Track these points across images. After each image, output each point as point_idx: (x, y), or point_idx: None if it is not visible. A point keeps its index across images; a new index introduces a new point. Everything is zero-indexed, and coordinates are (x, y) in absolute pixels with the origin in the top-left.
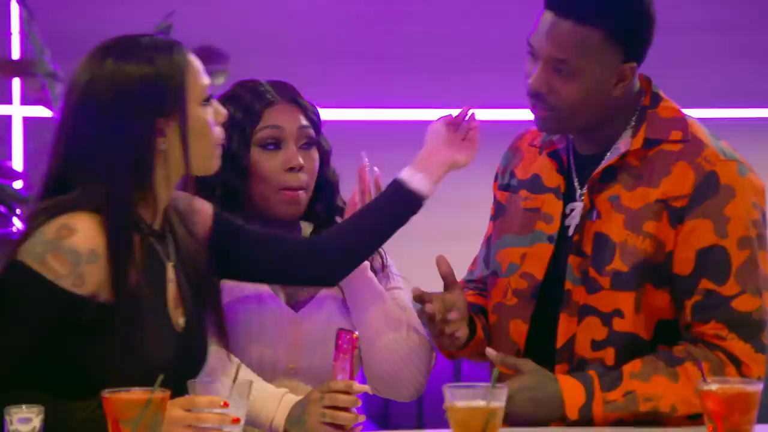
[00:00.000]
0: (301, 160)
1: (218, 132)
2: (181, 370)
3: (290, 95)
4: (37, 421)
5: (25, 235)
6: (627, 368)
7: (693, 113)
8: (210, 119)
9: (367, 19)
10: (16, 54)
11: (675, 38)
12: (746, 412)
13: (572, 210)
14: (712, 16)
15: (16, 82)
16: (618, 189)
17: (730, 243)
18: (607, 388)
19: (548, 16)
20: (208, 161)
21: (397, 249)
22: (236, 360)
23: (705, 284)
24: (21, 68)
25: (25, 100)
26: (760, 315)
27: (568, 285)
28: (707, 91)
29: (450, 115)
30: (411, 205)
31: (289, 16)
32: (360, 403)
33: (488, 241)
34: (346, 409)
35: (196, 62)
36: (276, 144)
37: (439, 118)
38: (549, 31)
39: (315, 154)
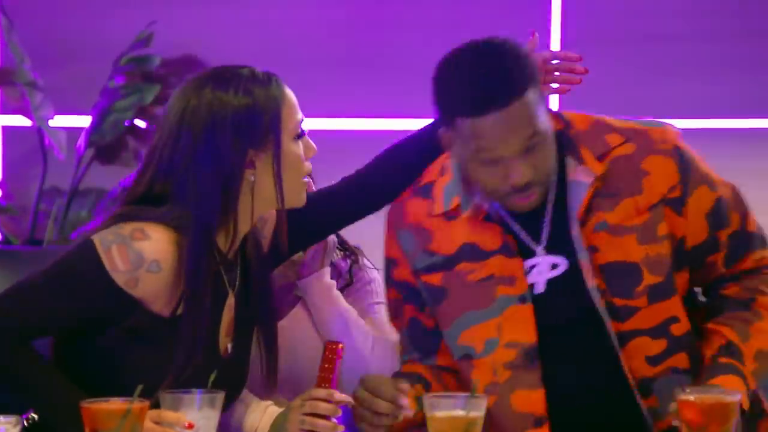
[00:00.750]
0: None
1: (308, 166)
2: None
3: None
4: None
5: (104, 224)
6: (727, 336)
7: (679, 123)
8: (301, 154)
9: (352, 28)
10: None
11: (660, 48)
12: (724, 422)
13: (533, 266)
14: (698, 26)
15: None
16: (599, 216)
17: (722, 189)
18: (743, 362)
19: (489, 119)
20: (297, 195)
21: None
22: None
23: (725, 234)
24: (1, 77)
25: (5, 109)
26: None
27: (613, 326)
28: (692, 102)
29: None
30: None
31: (272, 26)
32: (340, 413)
33: (423, 328)
34: (326, 418)
35: (292, 96)
36: None
37: None
38: (503, 126)
39: None
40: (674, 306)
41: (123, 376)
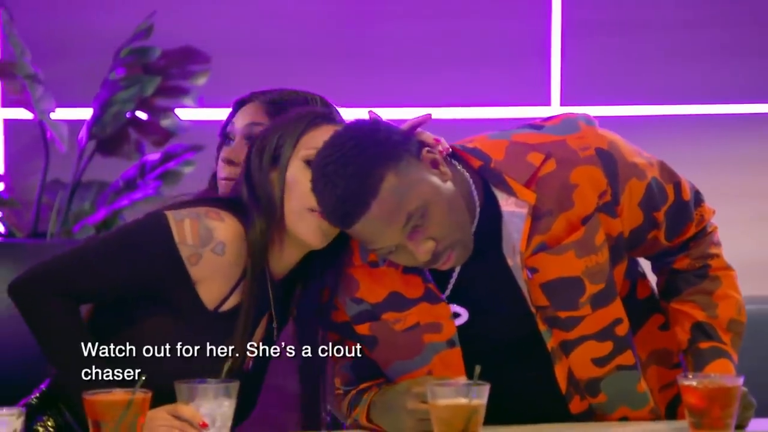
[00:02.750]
0: None
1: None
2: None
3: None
4: (17, 424)
5: (181, 204)
6: (695, 316)
7: (679, 110)
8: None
9: (347, 19)
10: None
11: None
12: (727, 406)
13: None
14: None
15: None
16: (536, 239)
17: (650, 172)
18: (721, 339)
19: (357, 227)
20: (298, 223)
21: None
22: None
23: (661, 213)
24: (2, 70)
25: (6, 102)
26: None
27: (551, 343)
28: (690, 87)
29: None
30: None
31: (270, 16)
32: None
33: (368, 360)
34: None
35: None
36: (229, 140)
37: None
38: (373, 225)
39: None
40: (616, 309)
41: (149, 358)
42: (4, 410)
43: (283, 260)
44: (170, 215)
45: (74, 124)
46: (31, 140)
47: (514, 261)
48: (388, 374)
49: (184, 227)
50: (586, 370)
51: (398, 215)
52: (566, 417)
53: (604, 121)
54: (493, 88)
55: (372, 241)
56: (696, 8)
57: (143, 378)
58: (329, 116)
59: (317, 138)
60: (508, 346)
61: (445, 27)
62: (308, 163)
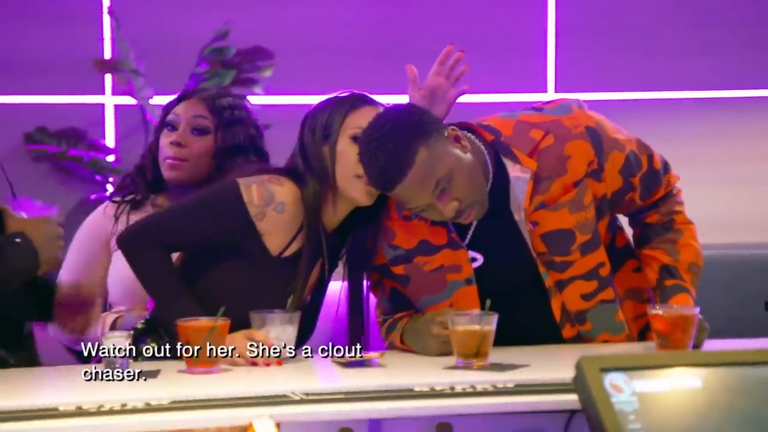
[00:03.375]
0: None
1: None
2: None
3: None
4: (126, 344)
5: (249, 173)
6: (661, 259)
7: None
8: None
9: (380, 23)
10: (107, 54)
11: (650, 33)
12: (686, 330)
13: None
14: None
15: (108, 77)
16: (537, 198)
17: (628, 146)
18: (682, 278)
19: (396, 190)
20: (350, 189)
21: None
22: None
23: (637, 178)
24: (112, 66)
25: (115, 92)
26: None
27: (548, 282)
28: (665, 76)
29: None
30: None
31: (320, 22)
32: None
33: (401, 295)
34: None
35: (364, 110)
36: (173, 127)
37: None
38: (409, 189)
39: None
40: (600, 254)
41: (220, 296)
42: (116, 333)
43: (336, 216)
44: (240, 182)
45: None
46: (134, 121)
47: (519, 216)
48: (417, 306)
49: (251, 191)
50: (575, 303)
51: (429, 181)
52: (559, 341)
53: (593, 104)
54: (499, 77)
55: (408, 202)
56: (669, 12)
57: (224, 309)
58: (367, 99)
59: (360, 118)
60: (514, 285)
61: (453, 28)
62: (354, 139)
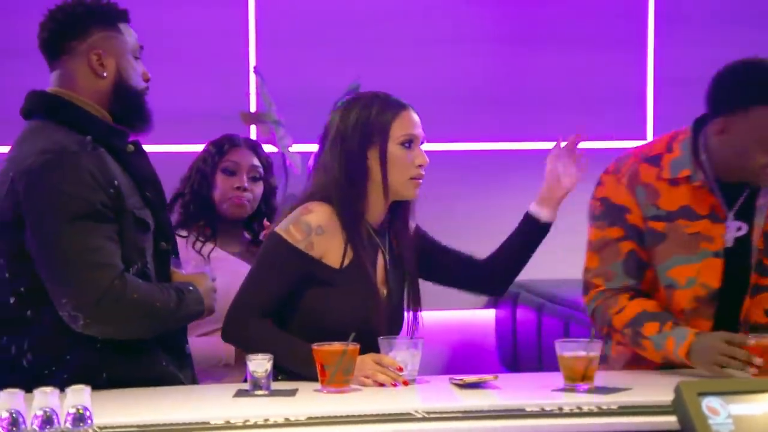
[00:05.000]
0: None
1: (414, 169)
2: (383, 325)
3: (248, 143)
4: (268, 366)
5: (286, 213)
6: None
7: None
8: (405, 157)
9: (489, 73)
10: (253, 107)
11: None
12: None
13: (727, 229)
14: None
15: (253, 128)
16: None
17: None
18: None
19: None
20: (401, 188)
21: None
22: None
23: None
24: (256, 118)
25: (259, 140)
26: None
27: (753, 278)
28: None
29: (559, 144)
30: (541, 233)
31: (443, 76)
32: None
33: (638, 260)
34: None
35: (409, 115)
36: (233, 172)
37: (552, 150)
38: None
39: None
40: None
41: (317, 317)
42: (259, 355)
43: (378, 211)
44: (279, 231)
45: (305, 155)
46: (275, 166)
47: (729, 212)
48: (664, 264)
49: (291, 232)
50: (757, 315)
51: None
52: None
53: None
54: (600, 125)
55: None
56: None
57: (354, 334)
58: (404, 104)
59: (405, 123)
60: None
61: (568, 77)
62: (403, 144)
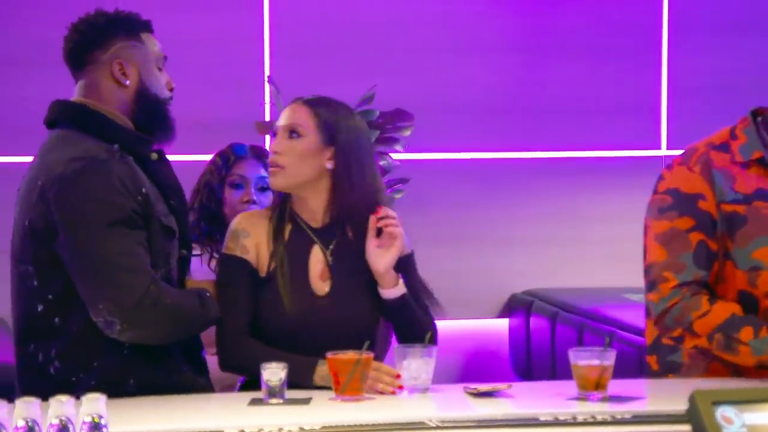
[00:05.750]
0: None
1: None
2: (323, 323)
3: (255, 151)
4: (282, 374)
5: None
6: None
7: None
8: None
9: (506, 83)
10: (267, 117)
11: None
12: None
13: None
14: None
15: (267, 138)
16: None
17: None
18: None
19: None
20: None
21: None
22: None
23: None
24: (271, 127)
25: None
26: None
27: None
28: None
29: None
30: (396, 307)
31: (456, 85)
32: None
33: (708, 251)
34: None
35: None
36: (240, 186)
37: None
38: None
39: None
40: None
41: (260, 321)
42: (273, 364)
43: (311, 211)
44: (224, 251)
45: None
46: None
47: None
48: (747, 248)
49: (227, 244)
50: None
51: None
52: None
53: None
54: (614, 134)
55: None
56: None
57: (368, 342)
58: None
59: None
60: None
61: (582, 86)
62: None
